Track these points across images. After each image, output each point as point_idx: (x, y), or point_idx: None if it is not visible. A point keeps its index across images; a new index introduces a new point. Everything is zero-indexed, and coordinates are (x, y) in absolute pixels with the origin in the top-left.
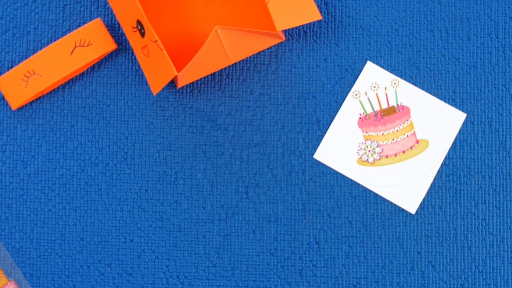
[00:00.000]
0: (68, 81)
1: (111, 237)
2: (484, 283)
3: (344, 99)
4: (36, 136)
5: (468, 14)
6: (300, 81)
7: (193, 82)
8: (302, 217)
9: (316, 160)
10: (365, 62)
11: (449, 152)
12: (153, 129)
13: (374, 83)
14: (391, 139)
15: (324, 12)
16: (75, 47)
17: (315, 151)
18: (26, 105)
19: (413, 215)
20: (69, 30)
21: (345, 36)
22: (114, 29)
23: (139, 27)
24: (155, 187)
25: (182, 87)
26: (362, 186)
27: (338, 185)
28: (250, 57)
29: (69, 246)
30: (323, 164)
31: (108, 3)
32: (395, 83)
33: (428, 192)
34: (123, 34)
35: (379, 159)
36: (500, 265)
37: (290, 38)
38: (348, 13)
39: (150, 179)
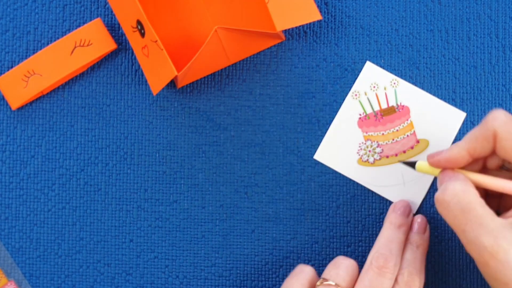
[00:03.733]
0: (68, 81)
1: (110, 237)
2: (482, 283)
3: (344, 99)
4: (36, 136)
5: (468, 14)
6: (300, 81)
7: (193, 82)
8: (302, 217)
9: (316, 160)
10: (365, 62)
11: None
12: (153, 129)
13: (374, 83)
14: (391, 139)
15: (324, 12)
16: (75, 47)
17: (315, 151)
18: (26, 105)
19: (413, 215)
20: (69, 30)
21: (345, 36)
22: (114, 29)
23: (139, 27)
24: (154, 187)
25: (182, 87)
26: (362, 186)
27: (338, 185)
28: (250, 57)
29: (68, 246)
30: (323, 164)
31: (108, 3)
32: (394, 83)
33: (428, 192)
34: (123, 34)
35: (380, 159)
36: None
37: (290, 38)
38: (348, 13)
39: (149, 179)
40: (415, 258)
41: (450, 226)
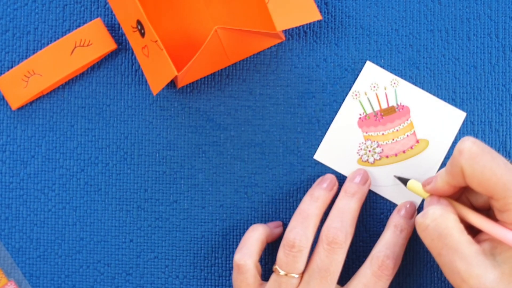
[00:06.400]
0: (68, 81)
1: (110, 237)
2: None
3: (344, 99)
4: (36, 136)
5: (468, 14)
6: (300, 81)
7: (193, 82)
8: None
9: (316, 160)
10: (365, 62)
11: (449, 151)
12: (153, 129)
13: (374, 83)
14: (391, 139)
15: (324, 12)
16: (75, 47)
17: (315, 151)
18: (26, 105)
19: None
20: (69, 30)
21: (345, 36)
22: (114, 29)
23: (139, 27)
24: (154, 187)
25: (182, 87)
26: None
27: (338, 185)
28: (250, 57)
29: (68, 246)
30: (323, 164)
31: (108, 3)
32: (394, 83)
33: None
34: (123, 34)
35: (379, 159)
36: None
37: (290, 38)
38: (348, 13)
39: (149, 179)
40: (395, 243)
41: (428, 248)
